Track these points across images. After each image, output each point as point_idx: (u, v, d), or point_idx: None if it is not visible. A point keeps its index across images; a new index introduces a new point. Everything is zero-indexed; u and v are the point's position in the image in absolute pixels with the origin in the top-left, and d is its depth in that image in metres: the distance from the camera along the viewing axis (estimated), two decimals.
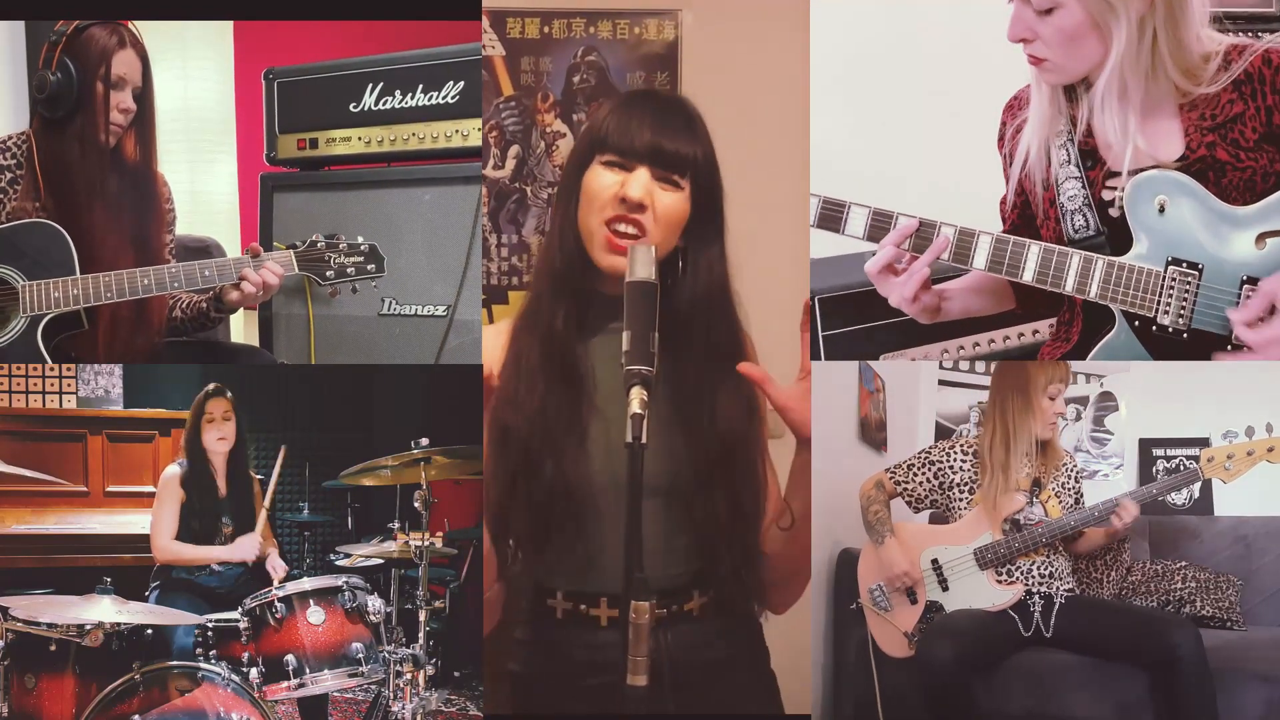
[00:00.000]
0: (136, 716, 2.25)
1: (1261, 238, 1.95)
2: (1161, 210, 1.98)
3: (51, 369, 3.73)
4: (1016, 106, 2.19)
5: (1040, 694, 2.73)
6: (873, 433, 3.42)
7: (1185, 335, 1.99)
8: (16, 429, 3.61)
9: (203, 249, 3.18)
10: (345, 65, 3.00)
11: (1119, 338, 2.04)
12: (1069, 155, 2.07)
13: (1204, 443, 3.49)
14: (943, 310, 2.20)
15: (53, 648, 2.29)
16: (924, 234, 2.05)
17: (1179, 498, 3.49)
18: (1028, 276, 2.04)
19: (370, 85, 2.95)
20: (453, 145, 2.88)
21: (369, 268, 2.59)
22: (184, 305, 2.67)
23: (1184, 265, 1.98)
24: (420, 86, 2.90)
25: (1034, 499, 2.80)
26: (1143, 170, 1.99)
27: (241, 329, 3.43)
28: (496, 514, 1.69)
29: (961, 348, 2.81)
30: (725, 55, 2.94)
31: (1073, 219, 2.08)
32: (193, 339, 2.77)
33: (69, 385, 3.81)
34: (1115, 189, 2.04)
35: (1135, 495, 2.76)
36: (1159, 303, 1.99)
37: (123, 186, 2.49)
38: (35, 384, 3.76)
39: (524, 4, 2.94)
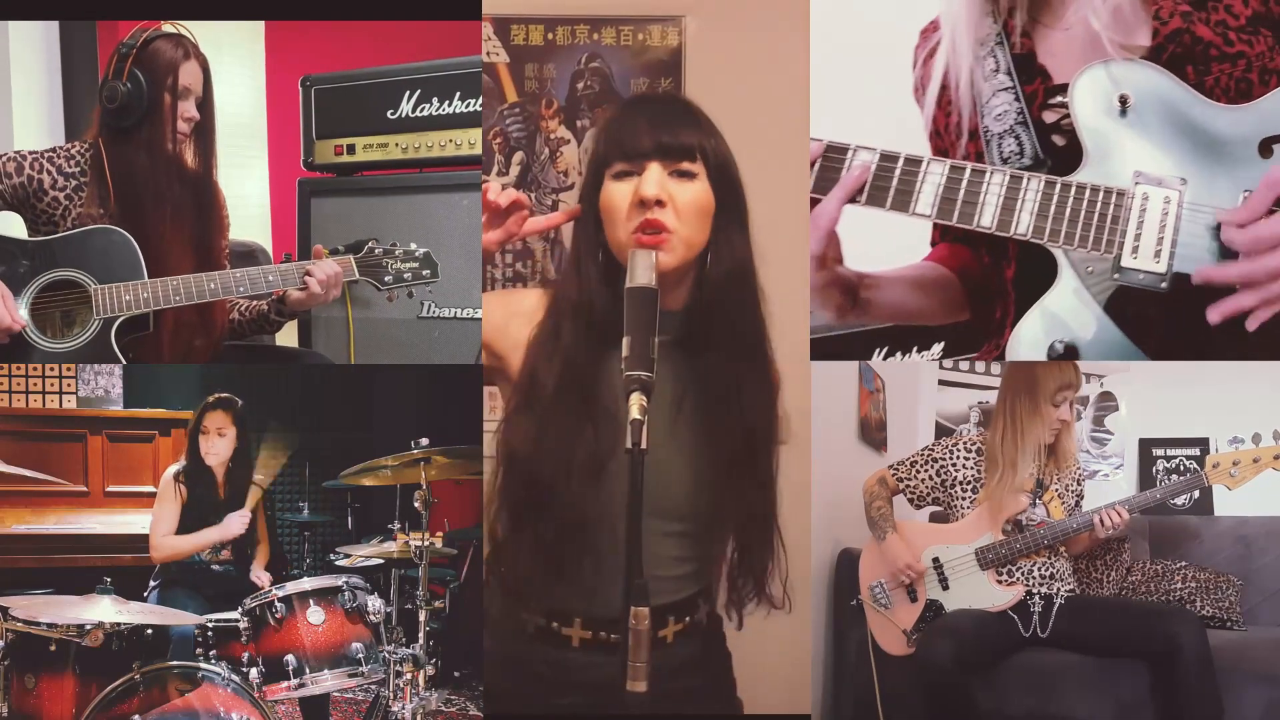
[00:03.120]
0: (136, 716, 2.25)
1: (1268, 144, 1.48)
2: (1123, 110, 1.49)
3: (51, 369, 3.73)
4: (931, 29, 1.76)
5: (1040, 694, 2.73)
6: (873, 433, 3.42)
7: (1163, 285, 1.46)
8: (16, 429, 3.61)
9: (249, 254, 3.23)
10: (382, 73, 3.07)
11: (1063, 298, 1.48)
12: (999, 62, 1.60)
13: (1204, 443, 3.50)
14: (864, 302, 1.77)
15: (53, 648, 2.29)
16: (832, 163, 1.56)
17: (1179, 499, 3.49)
18: (922, 207, 1.55)
19: (407, 93, 3.01)
20: None
21: (424, 273, 2.63)
22: (242, 309, 2.71)
23: (1158, 183, 1.46)
24: (458, 94, 2.96)
25: (1037, 500, 2.80)
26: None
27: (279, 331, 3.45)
28: (498, 543, 1.65)
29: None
30: (728, 61, 2.93)
31: (1001, 144, 1.59)
32: (248, 342, 2.81)
33: (69, 385, 3.81)
34: (1059, 106, 1.57)
35: (1136, 502, 2.75)
36: (1123, 237, 1.46)
37: (184, 193, 2.54)
38: (35, 384, 3.76)
39: (527, 10, 2.94)
